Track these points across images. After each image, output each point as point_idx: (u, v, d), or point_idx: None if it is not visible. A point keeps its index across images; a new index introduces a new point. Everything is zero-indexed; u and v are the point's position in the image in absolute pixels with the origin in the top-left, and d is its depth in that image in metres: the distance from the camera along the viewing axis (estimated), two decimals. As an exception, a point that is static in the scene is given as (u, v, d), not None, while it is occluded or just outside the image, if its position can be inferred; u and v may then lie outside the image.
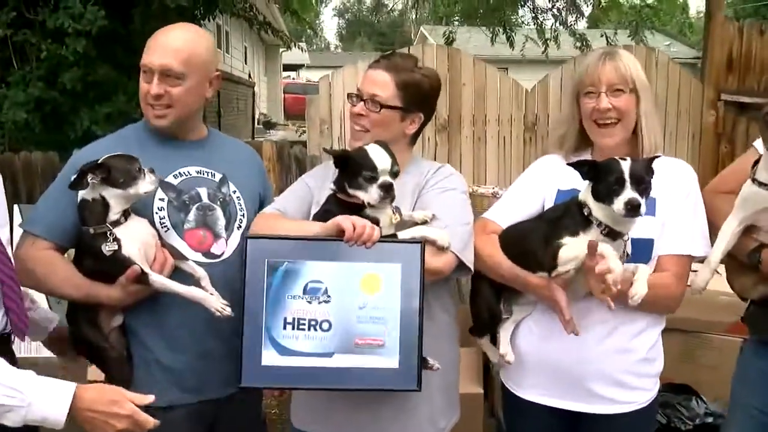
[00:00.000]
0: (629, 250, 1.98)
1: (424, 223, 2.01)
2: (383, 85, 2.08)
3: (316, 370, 1.87)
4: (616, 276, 1.80)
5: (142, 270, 1.95)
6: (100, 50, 5.30)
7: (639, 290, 1.88)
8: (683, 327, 3.30)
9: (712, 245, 2.13)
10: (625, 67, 2.09)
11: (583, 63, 2.21)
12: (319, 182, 2.18)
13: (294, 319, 1.87)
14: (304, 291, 1.87)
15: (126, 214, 2.02)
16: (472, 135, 5.54)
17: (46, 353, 2.27)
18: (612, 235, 1.92)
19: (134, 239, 1.99)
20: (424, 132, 2.26)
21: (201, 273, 2.05)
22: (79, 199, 2.01)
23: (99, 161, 1.98)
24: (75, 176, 1.95)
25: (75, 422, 1.61)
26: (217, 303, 1.96)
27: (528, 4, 11.14)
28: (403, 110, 2.10)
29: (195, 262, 2.07)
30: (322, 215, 1.97)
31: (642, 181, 1.88)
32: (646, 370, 2.12)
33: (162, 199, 2.11)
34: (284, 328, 1.87)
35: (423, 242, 1.89)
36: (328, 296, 1.87)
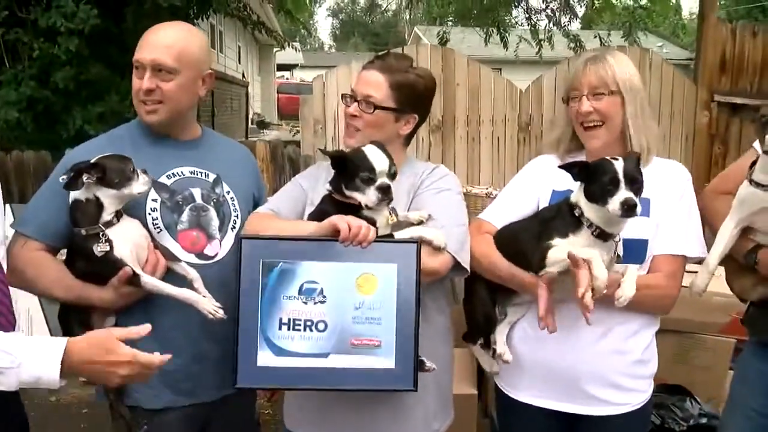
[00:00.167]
0: (620, 251, 1.98)
1: (420, 223, 2.00)
2: (377, 85, 2.07)
3: (311, 371, 1.86)
4: (600, 283, 1.80)
5: (134, 272, 1.94)
6: (92, 49, 5.28)
7: (626, 292, 1.88)
8: (677, 328, 3.30)
9: (711, 247, 2.13)
10: (606, 70, 2.10)
11: (572, 68, 2.24)
12: (312, 183, 2.17)
13: (289, 319, 1.86)
14: (300, 291, 1.87)
15: (118, 215, 2.00)
16: (466, 135, 5.53)
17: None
18: (603, 236, 1.92)
19: (126, 240, 1.97)
20: (418, 132, 2.26)
21: (194, 275, 2.04)
22: (71, 200, 1.99)
23: (94, 161, 1.96)
24: (70, 176, 1.92)
25: (77, 378, 1.57)
26: (209, 305, 1.95)
27: (522, 5, 11.15)
28: (397, 111, 2.09)
29: (188, 263, 2.06)
30: (318, 215, 1.96)
31: (636, 180, 1.88)
32: (640, 371, 2.12)
33: (155, 200, 2.09)
34: (280, 328, 1.86)
35: (419, 242, 1.88)
36: (324, 296, 1.86)
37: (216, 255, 2.13)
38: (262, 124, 23.04)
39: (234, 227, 2.17)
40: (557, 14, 11.09)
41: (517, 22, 12.85)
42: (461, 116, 5.50)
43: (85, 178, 1.92)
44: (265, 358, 1.86)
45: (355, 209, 1.91)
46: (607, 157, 1.93)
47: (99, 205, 1.97)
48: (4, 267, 1.84)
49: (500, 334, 2.16)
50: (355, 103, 2.09)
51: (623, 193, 1.85)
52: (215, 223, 2.14)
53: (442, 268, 1.96)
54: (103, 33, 5.27)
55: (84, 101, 5.36)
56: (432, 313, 2.07)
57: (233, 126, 17.00)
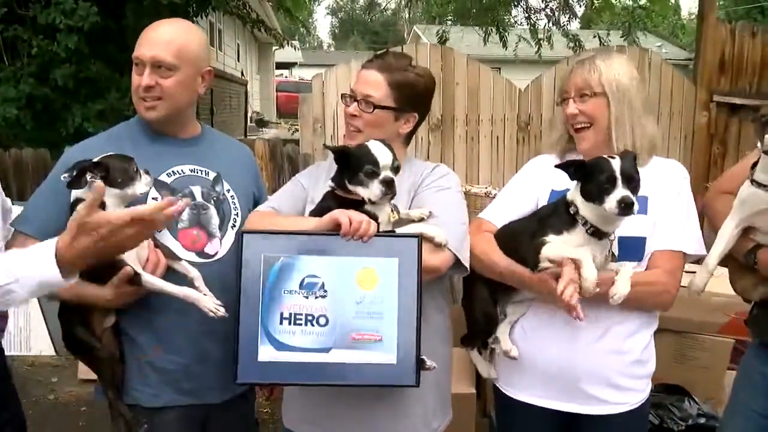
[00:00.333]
0: (615, 250, 1.98)
1: (421, 220, 2.00)
2: (376, 85, 2.07)
3: (313, 366, 1.85)
4: (588, 284, 1.80)
5: (134, 271, 1.93)
6: (92, 47, 5.28)
7: (620, 290, 1.88)
8: (675, 328, 3.31)
9: (710, 246, 2.13)
10: (592, 72, 2.10)
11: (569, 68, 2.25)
12: (312, 181, 2.17)
13: (291, 314, 1.86)
14: (301, 286, 1.86)
15: (119, 213, 1.99)
16: (465, 134, 5.54)
17: (42, 352, 2.25)
18: (597, 234, 1.92)
19: (127, 239, 1.96)
20: (417, 131, 2.26)
21: (194, 273, 2.03)
22: (73, 198, 1.98)
23: (97, 160, 1.95)
24: (73, 174, 1.91)
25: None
26: (210, 303, 1.95)
27: (521, 5, 11.16)
28: (396, 110, 2.09)
29: (188, 261, 2.06)
30: (319, 211, 1.96)
31: (632, 179, 1.88)
32: (638, 371, 2.12)
33: (155, 198, 2.08)
34: (281, 323, 1.86)
35: (420, 236, 1.88)
36: (325, 291, 1.86)
37: (216, 253, 2.12)
38: (261, 123, 23.03)
39: (234, 225, 2.17)
40: (556, 14, 11.12)
41: (516, 22, 12.88)
42: (460, 115, 5.51)
43: (88, 177, 1.91)
44: (266, 352, 1.86)
45: (357, 205, 1.91)
46: (604, 156, 1.93)
47: (101, 204, 1.96)
48: None
49: (503, 332, 2.16)
50: (355, 103, 2.09)
51: (620, 191, 1.85)
52: (215, 221, 2.14)
53: (443, 266, 1.96)
54: (103, 30, 5.28)
55: (83, 99, 5.36)
56: (431, 312, 2.07)
57: (232, 124, 16.99)
